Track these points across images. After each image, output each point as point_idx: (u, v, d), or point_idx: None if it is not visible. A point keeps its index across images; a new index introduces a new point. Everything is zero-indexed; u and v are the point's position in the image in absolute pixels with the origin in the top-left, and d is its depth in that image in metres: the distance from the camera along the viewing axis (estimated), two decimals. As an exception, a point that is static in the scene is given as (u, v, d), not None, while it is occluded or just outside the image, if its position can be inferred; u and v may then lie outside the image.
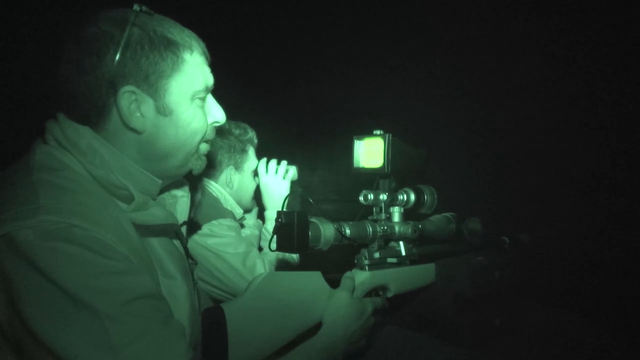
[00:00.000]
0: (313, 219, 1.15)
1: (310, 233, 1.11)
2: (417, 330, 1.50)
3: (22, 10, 1.75)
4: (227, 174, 1.83)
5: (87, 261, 0.83)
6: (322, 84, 2.33)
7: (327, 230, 1.15)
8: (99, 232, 0.86)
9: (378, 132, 1.28)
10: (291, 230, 1.08)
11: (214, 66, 1.11)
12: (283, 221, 1.09)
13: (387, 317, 1.46)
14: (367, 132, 1.30)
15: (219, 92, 1.15)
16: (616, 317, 1.52)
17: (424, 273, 1.40)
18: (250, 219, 1.97)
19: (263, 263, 1.64)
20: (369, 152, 1.30)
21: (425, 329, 1.51)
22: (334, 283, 1.23)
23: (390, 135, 1.25)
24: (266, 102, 2.36)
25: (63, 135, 0.98)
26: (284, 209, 1.11)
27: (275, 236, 1.12)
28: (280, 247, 1.12)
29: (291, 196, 1.82)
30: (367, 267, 1.26)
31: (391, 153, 1.25)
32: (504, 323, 1.51)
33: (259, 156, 1.94)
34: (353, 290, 1.21)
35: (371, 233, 1.26)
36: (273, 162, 1.90)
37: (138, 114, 0.98)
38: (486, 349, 1.44)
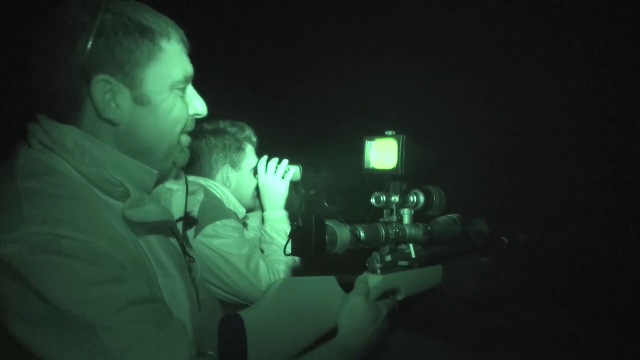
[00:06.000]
0: (328, 222, 1.11)
1: (327, 237, 1.08)
2: (423, 332, 1.50)
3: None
4: (223, 172, 1.79)
5: (75, 272, 0.80)
6: (326, 84, 2.30)
7: (343, 234, 1.12)
8: (89, 240, 0.82)
9: (390, 132, 1.25)
10: (308, 234, 1.04)
11: (217, 65, 1.07)
12: (300, 224, 1.05)
13: (394, 320, 1.44)
14: (378, 133, 1.27)
15: (222, 92, 1.11)
16: (616, 317, 1.54)
17: (432, 275, 1.39)
18: (254, 221, 1.93)
19: (266, 265, 1.60)
20: (381, 153, 1.27)
21: (430, 331, 1.51)
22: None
23: (404, 136, 1.23)
24: (269, 102, 2.32)
25: (47, 136, 0.92)
26: (301, 213, 1.07)
27: (290, 240, 1.08)
28: (295, 252, 1.08)
29: (297, 197, 1.78)
30: (379, 271, 1.24)
31: (405, 154, 1.23)
32: (507, 324, 1.52)
33: (264, 156, 1.89)
34: (367, 294, 1.18)
35: (384, 236, 1.23)
36: (273, 161, 1.86)
37: (113, 105, 0.94)
38: (490, 351, 1.45)
